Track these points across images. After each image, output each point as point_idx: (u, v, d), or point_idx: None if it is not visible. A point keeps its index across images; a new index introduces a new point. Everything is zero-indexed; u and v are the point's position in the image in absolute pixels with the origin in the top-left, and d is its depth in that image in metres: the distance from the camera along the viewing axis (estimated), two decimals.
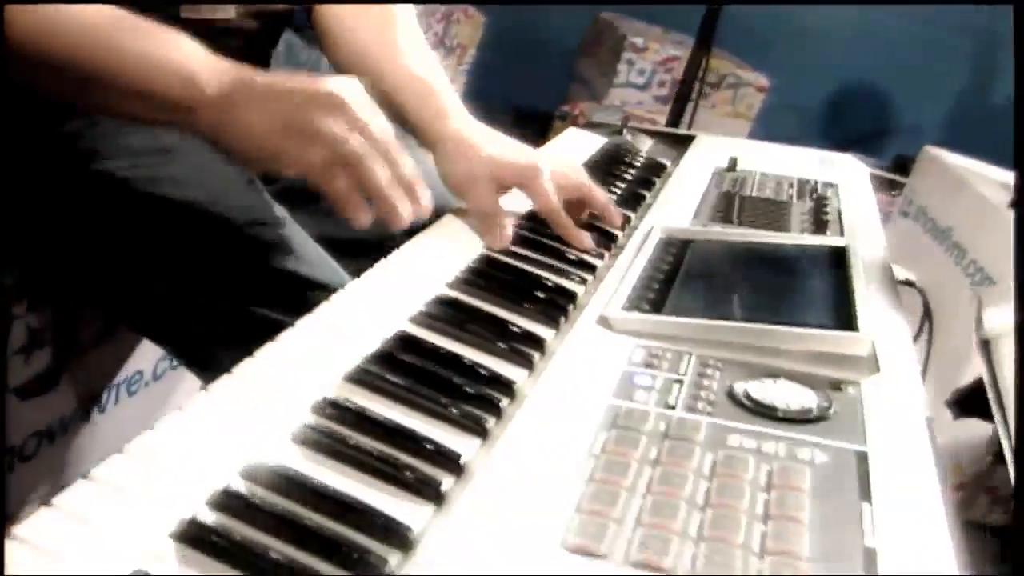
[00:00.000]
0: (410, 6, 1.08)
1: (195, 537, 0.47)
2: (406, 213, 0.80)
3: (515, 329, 0.74)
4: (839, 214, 1.14)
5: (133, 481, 0.49)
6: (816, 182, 1.27)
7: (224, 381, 0.59)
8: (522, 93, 3.47)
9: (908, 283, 1.14)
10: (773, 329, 0.76)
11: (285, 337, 0.66)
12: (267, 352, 0.64)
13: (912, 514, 0.56)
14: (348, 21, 1.04)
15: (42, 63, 0.74)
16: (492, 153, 0.96)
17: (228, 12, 0.94)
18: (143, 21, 0.75)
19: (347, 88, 0.76)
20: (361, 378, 0.63)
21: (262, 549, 0.47)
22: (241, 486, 0.51)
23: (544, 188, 0.96)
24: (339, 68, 1.05)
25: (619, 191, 1.16)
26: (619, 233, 1.02)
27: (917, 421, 0.68)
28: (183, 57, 0.74)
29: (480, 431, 0.60)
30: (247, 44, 0.97)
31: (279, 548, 0.47)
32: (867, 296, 0.83)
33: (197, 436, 0.54)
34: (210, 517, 0.48)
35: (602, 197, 1.03)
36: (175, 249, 0.85)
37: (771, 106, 3.50)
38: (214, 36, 0.80)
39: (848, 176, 1.34)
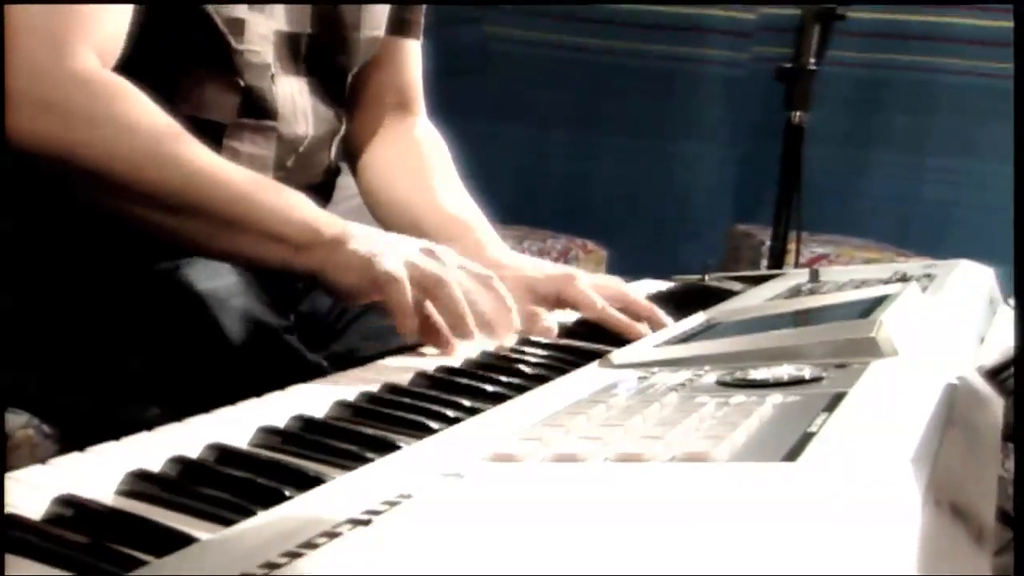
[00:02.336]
0: (443, 145, 1.29)
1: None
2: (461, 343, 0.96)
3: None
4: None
5: None
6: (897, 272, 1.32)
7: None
8: None
9: None
10: (781, 333, 0.82)
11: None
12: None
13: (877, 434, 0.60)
14: (385, 175, 1.27)
15: (178, 211, 0.96)
16: (527, 271, 1.10)
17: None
18: (271, 181, 1.01)
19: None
20: None
21: None
22: None
23: (584, 291, 1.09)
24: (382, 223, 1.24)
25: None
26: None
27: (928, 387, 0.71)
28: (305, 208, 0.99)
29: None
30: None
31: None
32: (901, 306, 0.88)
33: None
34: None
35: (645, 302, 1.12)
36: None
37: None
38: None
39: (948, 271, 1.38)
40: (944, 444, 0.56)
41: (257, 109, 1.10)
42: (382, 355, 1.00)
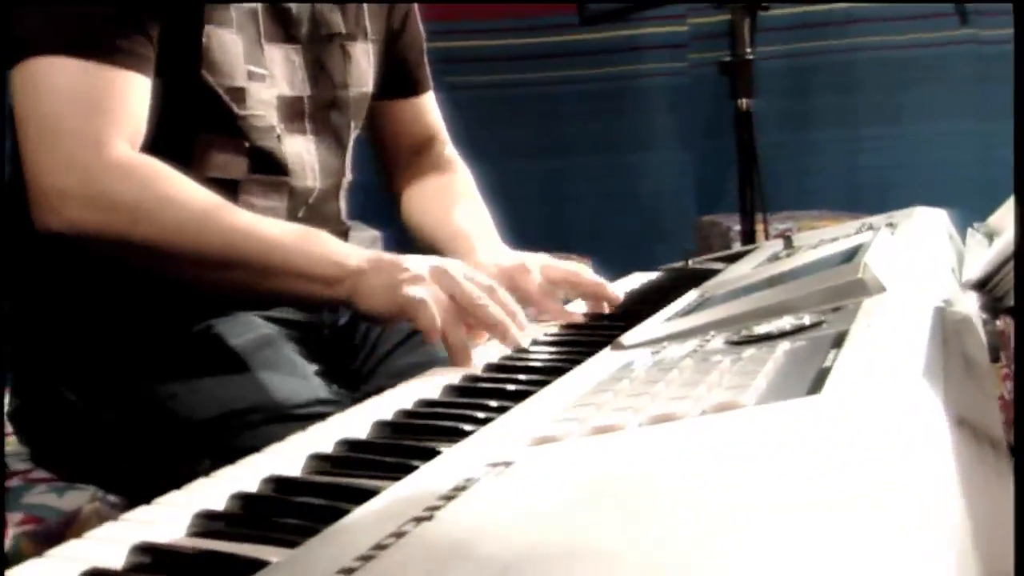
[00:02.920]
0: (463, 169, 1.35)
1: None
2: (515, 332, 0.96)
3: None
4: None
5: None
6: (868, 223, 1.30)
7: None
8: None
9: None
10: (774, 290, 0.80)
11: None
12: None
13: (884, 361, 0.58)
14: (414, 205, 1.31)
15: (223, 266, 0.98)
16: (488, 269, 1.11)
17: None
18: (301, 227, 1.02)
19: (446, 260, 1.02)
20: None
21: None
22: None
23: (529, 281, 1.11)
24: (408, 228, 1.31)
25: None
26: None
27: (921, 315, 0.69)
28: (330, 245, 1.01)
29: None
30: None
31: None
32: (878, 249, 0.86)
33: None
34: None
35: (591, 280, 1.13)
36: None
37: None
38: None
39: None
40: (947, 365, 0.54)
41: (267, 166, 1.11)
42: None
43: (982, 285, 0.66)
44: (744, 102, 1.98)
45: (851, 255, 0.86)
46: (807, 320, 0.69)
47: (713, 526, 0.36)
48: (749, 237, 2.10)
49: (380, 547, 0.42)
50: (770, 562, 0.33)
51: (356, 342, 1.22)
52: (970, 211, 1.38)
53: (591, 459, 0.49)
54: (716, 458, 0.44)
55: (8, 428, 1.14)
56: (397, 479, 0.59)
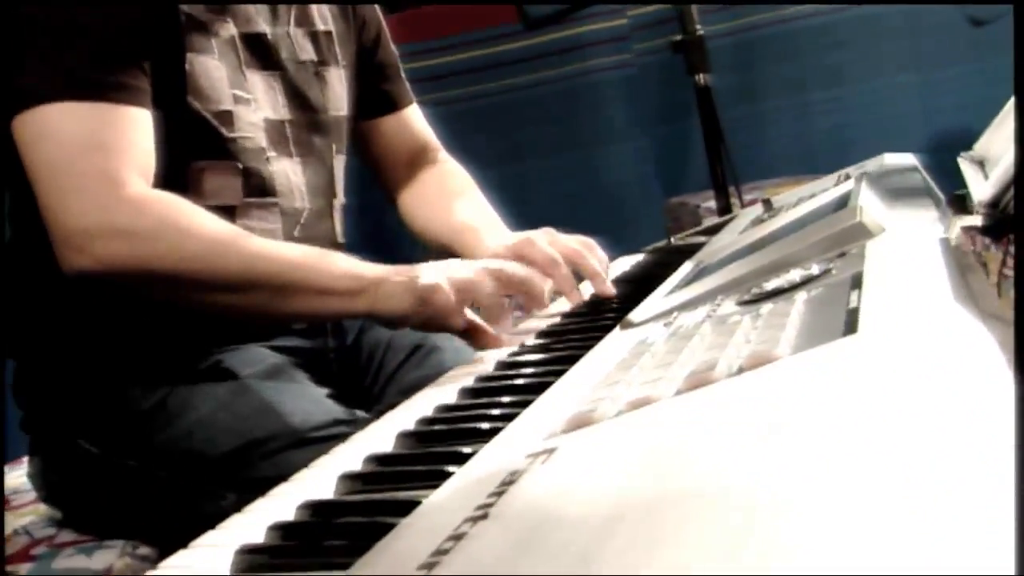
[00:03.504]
0: (459, 170, 1.36)
1: None
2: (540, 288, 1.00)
3: None
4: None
5: None
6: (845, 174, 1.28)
7: None
8: None
9: None
10: (772, 247, 0.78)
11: None
12: None
13: (907, 295, 0.56)
14: (414, 209, 1.32)
15: (244, 290, 0.98)
16: (494, 251, 1.12)
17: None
18: (316, 248, 1.04)
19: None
20: None
21: None
22: None
23: (540, 250, 1.09)
24: (415, 233, 1.31)
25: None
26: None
27: (926, 250, 0.67)
28: (347, 261, 1.01)
29: None
30: None
31: None
32: (866, 194, 0.84)
33: None
34: None
35: (590, 265, 1.11)
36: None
37: None
38: None
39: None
40: (967, 293, 0.52)
41: (259, 188, 1.10)
42: None
43: (994, 205, 0.64)
44: (702, 77, 1.97)
45: (843, 202, 0.84)
46: (815, 270, 0.67)
47: (794, 470, 0.34)
48: (724, 207, 2.08)
49: (440, 552, 0.40)
50: (859, 498, 0.30)
51: (362, 363, 1.21)
52: (919, 157, 1.39)
53: (638, 433, 0.47)
54: (769, 409, 0.42)
55: (31, 495, 1.12)
56: (434, 487, 0.56)
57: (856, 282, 0.59)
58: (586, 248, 1.13)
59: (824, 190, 1.22)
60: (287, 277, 0.99)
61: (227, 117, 1.07)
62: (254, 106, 1.10)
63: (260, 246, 1.00)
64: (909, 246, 0.68)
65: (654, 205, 3.62)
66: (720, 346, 0.55)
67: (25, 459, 1.16)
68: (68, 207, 0.95)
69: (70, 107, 0.96)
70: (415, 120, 1.36)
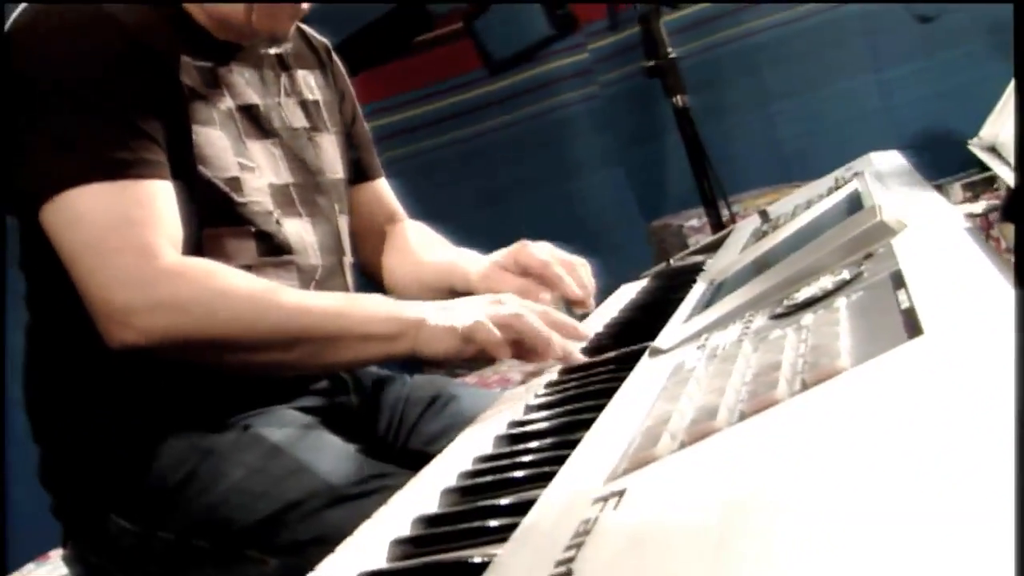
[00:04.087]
0: (423, 227, 1.37)
1: None
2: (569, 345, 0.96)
3: None
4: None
5: None
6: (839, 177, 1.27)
7: None
8: None
9: None
10: (792, 257, 0.75)
11: None
12: None
13: (953, 290, 0.53)
14: (391, 270, 1.33)
15: (288, 345, 0.98)
16: (493, 263, 1.16)
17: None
18: (353, 295, 1.06)
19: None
20: None
21: None
22: None
23: (532, 253, 1.12)
24: (397, 291, 1.31)
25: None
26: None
27: (958, 238, 0.65)
28: (385, 304, 1.01)
29: None
30: None
31: None
32: (876, 192, 0.82)
33: None
34: None
35: (572, 289, 1.12)
36: None
37: None
38: None
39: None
40: (1010, 281, 0.50)
41: (273, 248, 1.10)
42: None
43: None
44: (679, 99, 1.96)
45: (856, 204, 0.81)
46: (847, 275, 0.65)
47: (892, 492, 0.31)
48: (717, 224, 2.07)
49: None
50: (973, 513, 0.28)
51: (383, 417, 1.20)
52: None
53: (710, 466, 0.44)
54: (848, 427, 0.39)
55: None
56: (492, 542, 0.53)
57: (898, 281, 0.56)
58: (579, 265, 1.15)
59: (820, 195, 1.20)
60: (328, 327, 0.98)
61: (235, 183, 1.08)
62: (258, 173, 1.11)
63: (296, 299, 1.00)
64: (938, 239, 0.66)
65: (636, 230, 3.61)
66: (772, 364, 0.52)
67: (51, 554, 1.12)
68: (108, 284, 0.95)
69: (97, 188, 0.96)
70: (387, 191, 1.39)
